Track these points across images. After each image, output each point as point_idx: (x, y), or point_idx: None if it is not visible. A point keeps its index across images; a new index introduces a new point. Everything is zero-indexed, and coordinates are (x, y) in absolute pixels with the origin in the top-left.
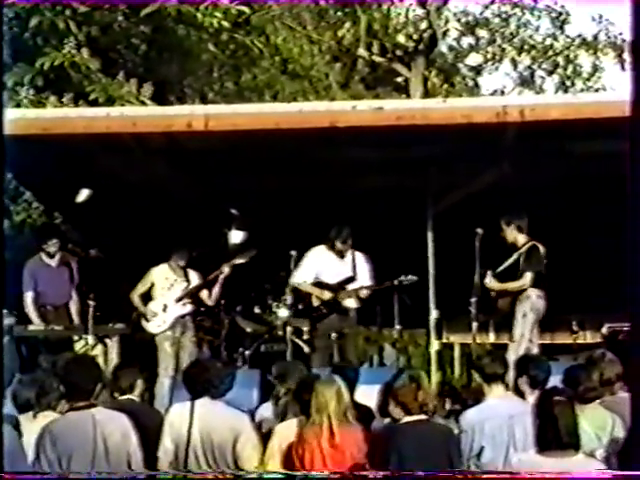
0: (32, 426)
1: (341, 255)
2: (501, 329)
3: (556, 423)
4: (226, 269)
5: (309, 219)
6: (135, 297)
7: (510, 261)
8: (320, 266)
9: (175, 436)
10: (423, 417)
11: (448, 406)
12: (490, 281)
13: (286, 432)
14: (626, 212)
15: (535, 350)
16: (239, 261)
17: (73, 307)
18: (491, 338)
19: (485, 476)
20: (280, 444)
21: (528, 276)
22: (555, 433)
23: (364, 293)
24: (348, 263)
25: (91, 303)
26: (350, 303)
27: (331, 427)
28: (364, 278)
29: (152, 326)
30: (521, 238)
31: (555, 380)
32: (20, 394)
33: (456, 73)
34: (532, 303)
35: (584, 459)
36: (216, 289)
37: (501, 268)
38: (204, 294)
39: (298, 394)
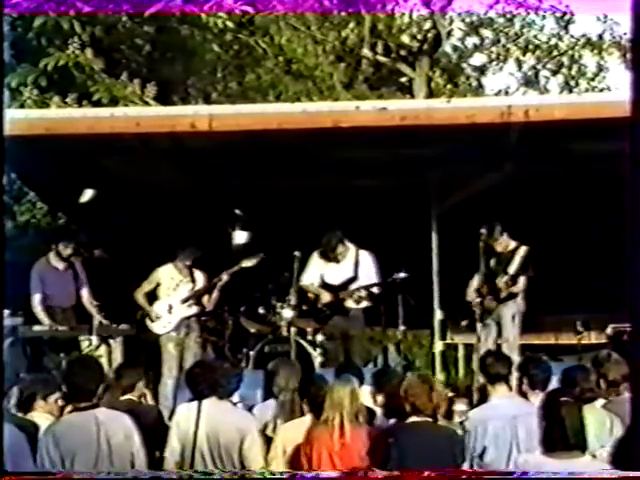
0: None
1: (336, 260)
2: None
3: (563, 424)
4: (225, 277)
5: (312, 219)
6: (140, 296)
7: (514, 267)
8: (322, 270)
9: (182, 436)
10: (429, 418)
11: (450, 407)
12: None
13: (291, 432)
14: (628, 212)
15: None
16: (247, 264)
17: (88, 306)
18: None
19: (488, 476)
20: (284, 444)
21: (522, 281)
22: (561, 434)
23: (362, 294)
24: (349, 265)
25: (95, 303)
26: (354, 304)
27: (342, 426)
28: (367, 278)
29: (157, 327)
30: (510, 243)
31: (557, 381)
32: (22, 394)
33: (460, 73)
34: (519, 305)
35: (590, 460)
36: (215, 294)
37: (512, 270)
38: (205, 298)
39: (306, 394)
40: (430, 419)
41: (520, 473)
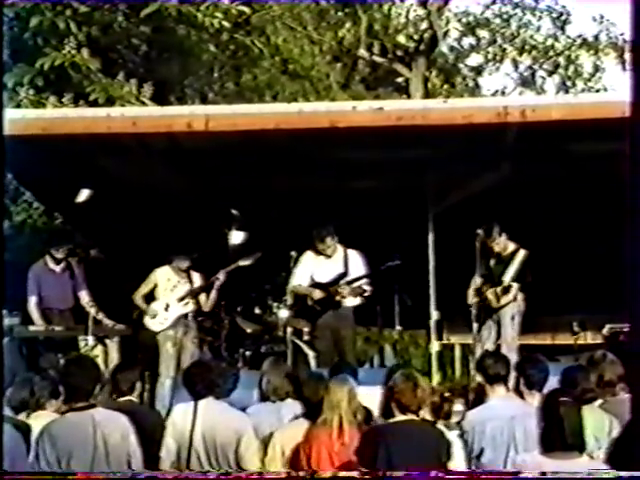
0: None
1: (327, 255)
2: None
3: (561, 424)
4: (222, 276)
5: (309, 220)
6: (138, 298)
7: (512, 272)
8: (312, 269)
9: (178, 436)
10: (414, 417)
11: (448, 407)
12: (487, 290)
13: (289, 432)
14: (627, 212)
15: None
16: (244, 263)
17: (86, 307)
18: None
19: (486, 476)
20: (282, 444)
21: (516, 286)
22: (560, 434)
23: (353, 287)
24: (339, 261)
25: (92, 304)
26: (346, 300)
27: (341, 426)
28: (357, 274)
29: (154, 323)
30: (509, 245)
31: (554, 381)
32: (15, 394)
33: (457, 73)
34: (518, 306)
35: (588, 461)
36: (212, 294)
37: (507, 280)
38: (202, 298)
39: (301, 394)
40: (417, 417)
41: (518, 473)
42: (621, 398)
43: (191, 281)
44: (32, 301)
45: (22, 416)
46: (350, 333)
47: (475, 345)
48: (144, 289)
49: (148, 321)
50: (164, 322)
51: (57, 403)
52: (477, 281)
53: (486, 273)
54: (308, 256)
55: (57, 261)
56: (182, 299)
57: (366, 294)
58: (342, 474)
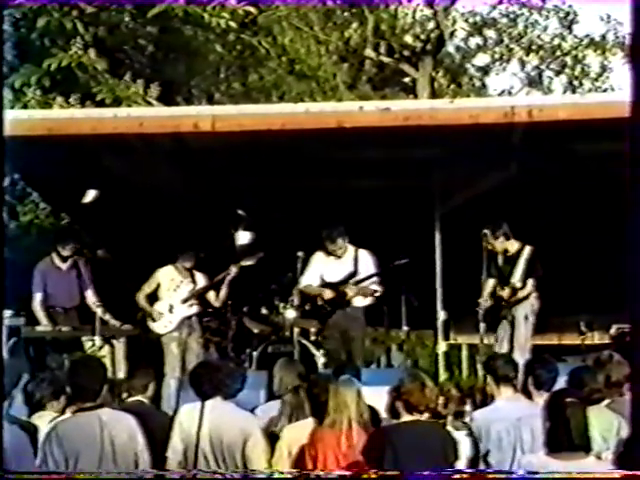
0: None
1: (337, 255)
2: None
3: (567, 425)
4: (233, 270)
5: (315, 220)
6: (141, 298)
7: (520, 270)
8: (322, 270)
9: (184, 436)
10: (421, 417)
11: (455, 407)
12: (499, 290)
13: (296, 433)
14: (628, 212)
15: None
16: (246, 263)
17: (92, 306)
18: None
19: (492, 476)
20: (289, 445)
21: (531, 282)
22: (566, 435)
23: (362, 287)
24: (349, 261)
25: (99, 304)
26: (357, 300)
27: (349, 429)
28: (367, 273)
29: (158, 326)
30: (513, 244)
31: (561, 381)
32: (35, 393)
33: (463, 73)
34: (532, 305)
35: (594, 462)
36: (223, 290)
37: (516, 278)
38: (211, 295)
39: (311, 394)
40: (421, 417)
41: (523, 473)
42: (628, 398)
43: (194, 281)
44: (37, 298)
45: (32, 417)
46: (359, 334)
47: (481, 345)
48: (147, 289)
49: (152, 324)
50: (168, 325)
51: (63, 404)
52: (490, 283)
53: (496, 274)
54: (318, 256)
55: (63, 259)
56: (186, 300)
57: (376, 294)
58: (349, 474)
